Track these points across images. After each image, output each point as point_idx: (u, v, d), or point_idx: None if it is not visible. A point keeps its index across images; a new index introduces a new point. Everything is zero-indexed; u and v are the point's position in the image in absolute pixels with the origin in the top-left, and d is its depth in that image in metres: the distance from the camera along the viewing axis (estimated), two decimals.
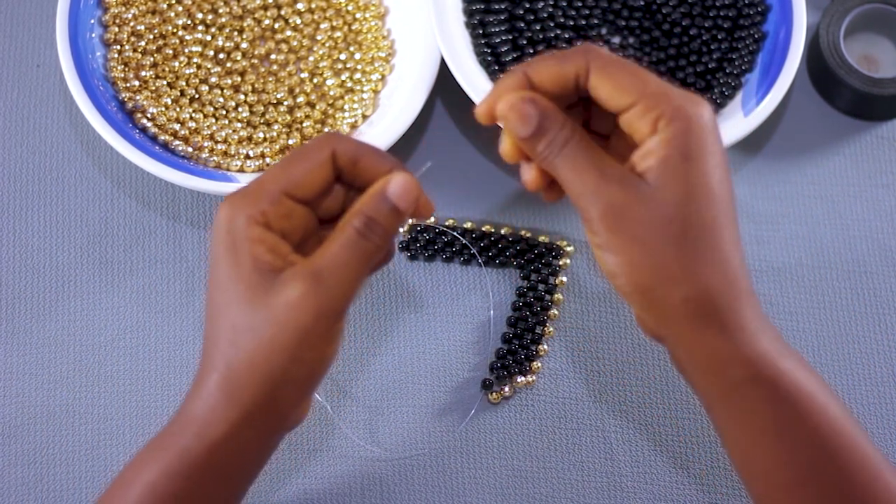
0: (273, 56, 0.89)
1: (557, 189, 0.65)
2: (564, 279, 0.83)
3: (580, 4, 0.88)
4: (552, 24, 0.87)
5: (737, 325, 0.61)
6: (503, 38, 0.87)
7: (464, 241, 0.84)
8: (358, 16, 0.90)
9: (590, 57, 0.62)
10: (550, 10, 0.87)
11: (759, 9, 0.87)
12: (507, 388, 0.81)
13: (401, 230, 0.82)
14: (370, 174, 0.63)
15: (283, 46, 0.89)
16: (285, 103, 0.87)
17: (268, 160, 0.84)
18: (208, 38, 0.88)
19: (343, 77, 0.88)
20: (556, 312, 0.82)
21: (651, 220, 0.60)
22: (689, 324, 0.61)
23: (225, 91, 0.87)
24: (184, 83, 0.86)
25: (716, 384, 0.62)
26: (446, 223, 0.84)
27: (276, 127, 0.86)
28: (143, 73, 0.86)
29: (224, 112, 0.86)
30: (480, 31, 0.87)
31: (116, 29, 0.86)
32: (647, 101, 0.61)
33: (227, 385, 0.60)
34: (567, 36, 0.87)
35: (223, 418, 0.60)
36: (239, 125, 0.86)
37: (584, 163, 0.61)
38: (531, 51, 0.86)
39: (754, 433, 0.61)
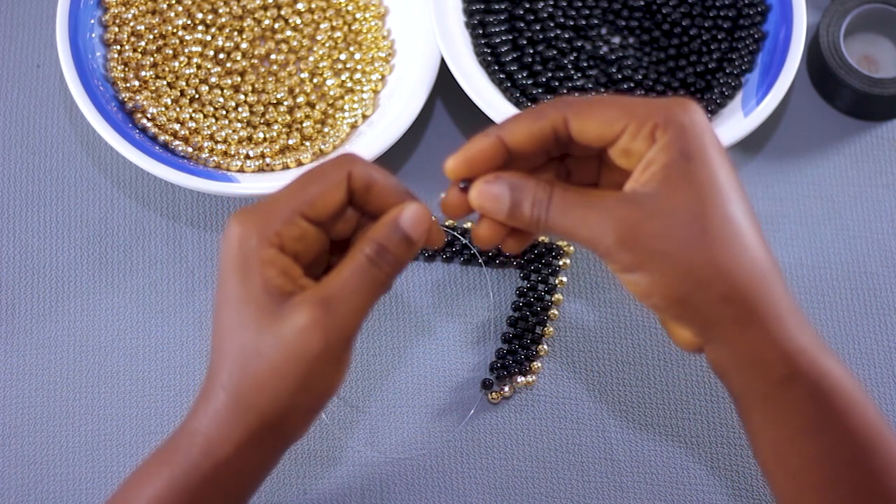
0: (273, 56, 0.89)
1: (516, 240, 0.64)
2: (564, 279, 0.83)
3: (580, 4, 0.88)
4: (552, 24, 0.87)
5: (776, 319, 0.60)
6: (503, 38, 0.87)
7: (464, 241, 0.84)
8: (358, 16, 0.90)
9: (563, 106, 0.61)
10: (550, 10, 0.87)
11: (759, 9, 0.87)
12: (507, 388, 0.81)
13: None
14: (382, 201, 0.62)
15: (283, 46, 0.89)
16: (285, 103, 0.87)
17: (268, 160, 0.84)
18: (208, 38, 0.88)
19: (343, 77, 0.88)
20: (556, 312, 0.82)
21: (667, 228, 0.59)
22: (732, 323, 0.60)
23: (225, 91, 0.87)
24: (184, 83, 0.86)
25: (759, 382, 0.60)
26: (446, 223, 0.84)
27: (276, 127, 0.86)
28: (143, 73, 0.86)
29: (224, 112, 0.86)
30: (480, 31, 0.87)
31: (116, 29, 0.86)
32: (638, 118, 0.60)
33: (234, 405, 0.60)
34: (567, 36, 0.87)
35: (230, 438, 0.60)
36: (239, 125, 0.86)
37: (578, 204, 0.60)
38: (531, 51, 0.86)
39: (793, 430, 0.60)
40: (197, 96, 0.86)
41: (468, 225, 0.85)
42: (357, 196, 0.62)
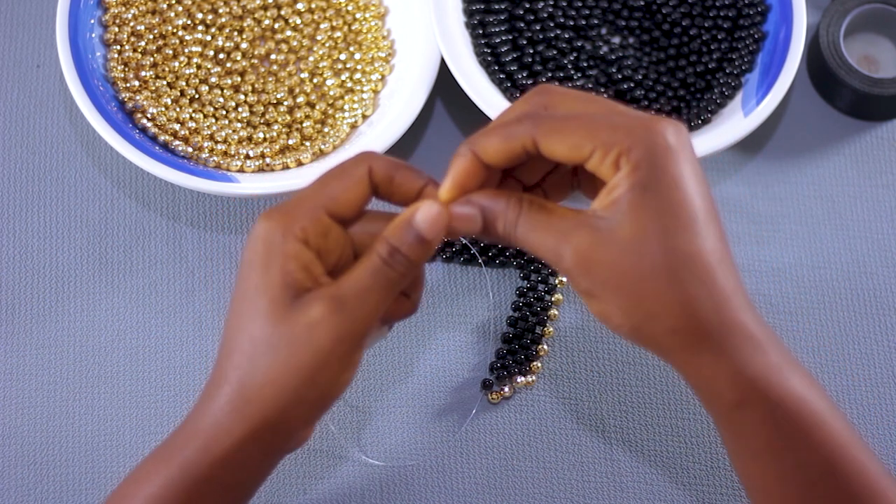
0: (273, 56, 0.89)
1: None
2: (564, 279, 0.83)
3: (580, 4, 0.88)
4: (552, 24, 0.87)
5: (731, 348, 0.60)
6: (503, 38, 0.87)
7: (464, 241, 0.84)
8: (358, 16, 0.90)
9: (530, 127, 0.61)
10: (550, 10, 0.87)
11: (759, 9, 0.87)
12: (507, 389, 0.81)
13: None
14: (406, 190, 0.62)
15: (283, 46, 0.89)
16: (285, 103, 0.87)
17: (268, 160, 0.84)
18: (208, 38, 0.88)
19: (343, 77, 0.88)
20: (556, 312, 0.82)
21: (616, 260, 0.59)
22: (682, 352, 0.60)
23: (225, 91, 0.87)
24: (184, 83, 0.86)
25: (713, 406, 0.61)
26: None
27: (276, 127, 0.86)
28: (143, 73, 0.86)
29: (224, 112, 0.86)
30: (480, 31, 0.87)
31: (116, 29, 0.86)
32: (603, 146, 0.59)
33: (237, 399, 0.60)
34: (567, 36, 0.87)
35: (229, 433, 0.60)
36: (239, 125, 0.86)
37: (540, 225, 0.61)
38: (531, 51, 0.86)
39: (753, 452, 0.61)
40: (197, 96, 0.86)
41: None
42: (381, 189, 0.63)
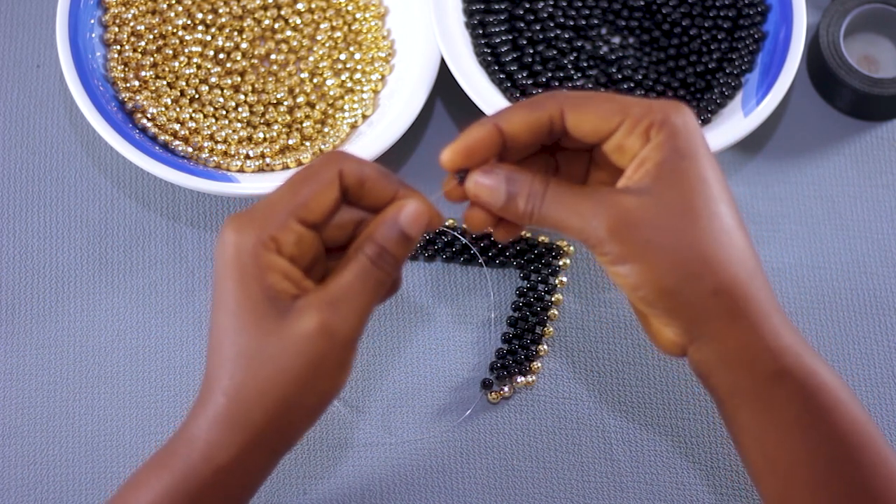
0: (273, 56, 0.89)
1: (507, 228, 0.65)
2: (564, 279, 0.83)
3: (580, 4, 0.88)
4: (552, 24, 0.87)
5: (765, 316, 0.61)
6: (503, 38, 0.87)
7: (464, 241, 0.84)
8: (358, 16, 0.90)
9: (560, 99, 0.62)
10: (550, 10, 0.87)
11: (759, 9, 0.87)
12: (507, 388, 0.81)
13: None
14: (376, 195, 0.62)
15: (283, 46, 0.89)
16: (285, 103, 0.87)
17: (268, 160, 0.84)
18: (208, 38, 0.88)
19: (343, 77, 0.88)
20: (556, 312, 0.82)
21: (661, 219, 0.60)
22: (722, 317, 0.60)
23: (225, 91, 0.87)
24: (184, 83, 0.86)
25: (748, 379, 0.61)
26: (447, 223, 0.84)
27: (276, 127, 0.86)
28: (143, 73, 0.86)
29: (224, 112, 0.86)
30: (480, 31, 0.87)
31: (116, 29, 0.86)
32: (634, 116, 0.61)
33: (236, 409, 0.60)
34: (567, 36, 0.87)
35: (232, 442, 0.60)
36: (239, 125, 0.86)
37: (572, 197, 0.61)
38: (531, 51, 0.86)
39: (781, 429, 0.60)
40: (197, 96, 0.86)
41: None
42: (351, 192, 0.62)
